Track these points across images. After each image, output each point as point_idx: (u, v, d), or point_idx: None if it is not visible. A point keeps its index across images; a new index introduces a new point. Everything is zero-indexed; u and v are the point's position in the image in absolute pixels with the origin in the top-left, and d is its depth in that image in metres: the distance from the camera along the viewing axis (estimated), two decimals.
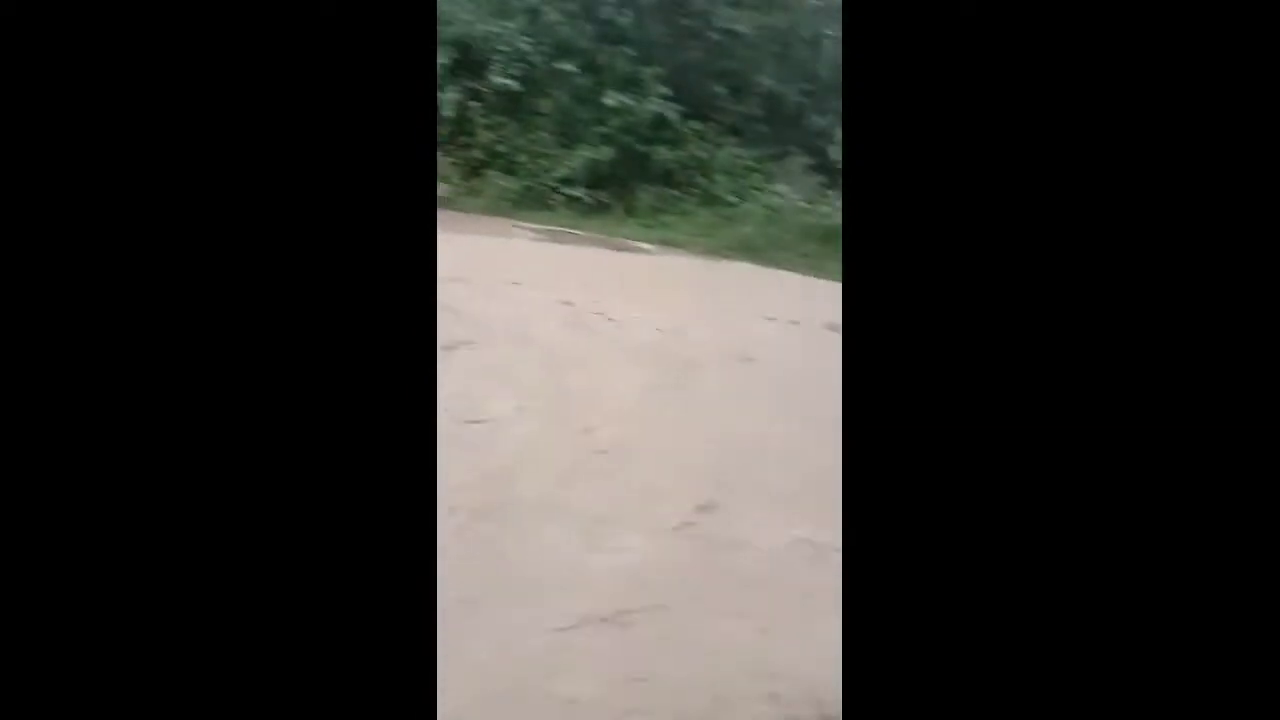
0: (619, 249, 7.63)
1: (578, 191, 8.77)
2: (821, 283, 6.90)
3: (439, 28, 7.95)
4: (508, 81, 8.99)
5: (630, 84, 9.10)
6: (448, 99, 9.04)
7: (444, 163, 8.98)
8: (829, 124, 9.56)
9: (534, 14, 9.15)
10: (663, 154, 8.89)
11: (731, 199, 8.67)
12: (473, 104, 9.16)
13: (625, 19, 9.32)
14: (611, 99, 8.79)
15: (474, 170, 9.09)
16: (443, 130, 9.20)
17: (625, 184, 8.97)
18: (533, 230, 8.00)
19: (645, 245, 7.94)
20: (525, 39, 9.02)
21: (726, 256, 7.82)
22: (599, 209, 8.78)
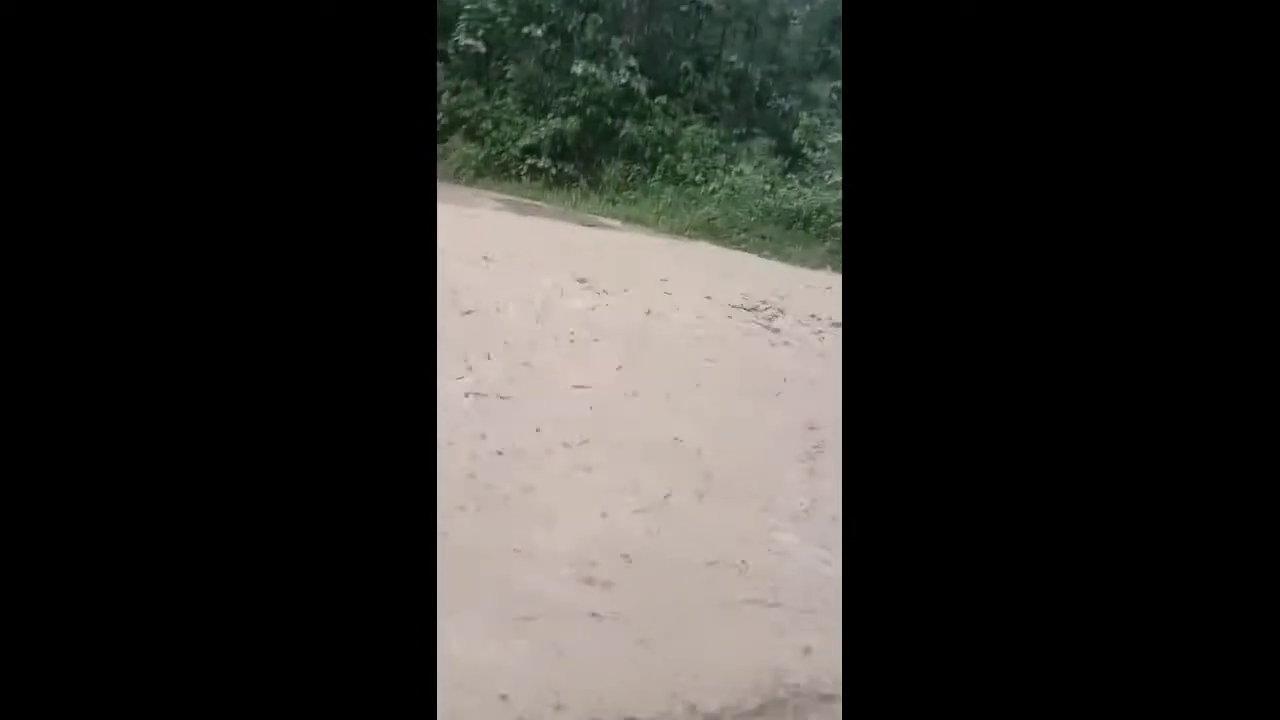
0: (586, 224, 7.65)
1: (542, 162, 8.70)
2: (784, 267, 7.10)
3: None
4: (474, 43, 8.79)
5: (599, 53, 9.00)
6: None
7: None
8: (793, 106, 9.65)
9: None
10: (629, 128, 8.87)
11: (696, 178, 8.73)
12: (437, 65, 8.93)
13: None
14: (580, 68, 8.69)
15: (437, 135, 8.90)
16: None
17: (590, 157, 8.93)
18: (496, 200, 7.93)
19: (612, 222, 7.97)
20: (493, 0, 8.81)
21: (690, 236, 7.93)
22: (563, 181, 8.73)
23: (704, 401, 3.73)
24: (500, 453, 2.93)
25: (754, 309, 5.40)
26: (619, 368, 3.98)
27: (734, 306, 5.35)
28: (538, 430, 3.15)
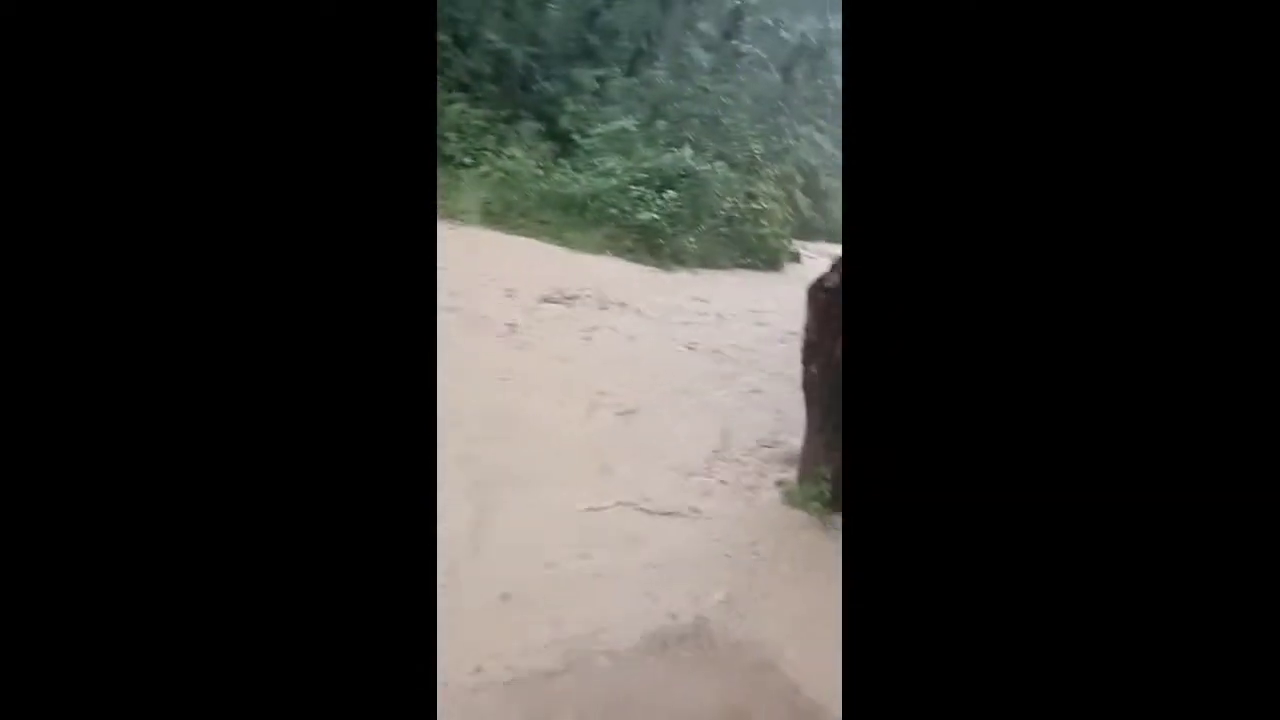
0: None
1: None
2: (573, 255, 7.03)
3: None
4: None
5: None
6: None
7: None
8: (558, 90, 9.60)
9: None
10: None
11: (465, 159, 8.31)
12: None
13: None
14: None
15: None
16: None
17: None
18: None
19: None
20: None
21: (465, 222, 7.52)
22: None
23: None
24: None
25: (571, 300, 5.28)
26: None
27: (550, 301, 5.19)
28: None
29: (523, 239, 7.35)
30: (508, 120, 9.03)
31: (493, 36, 9.46)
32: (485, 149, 8.52)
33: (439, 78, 8.71)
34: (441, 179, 8.05)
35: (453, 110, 8.53)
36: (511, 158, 8.43)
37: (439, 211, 7.42)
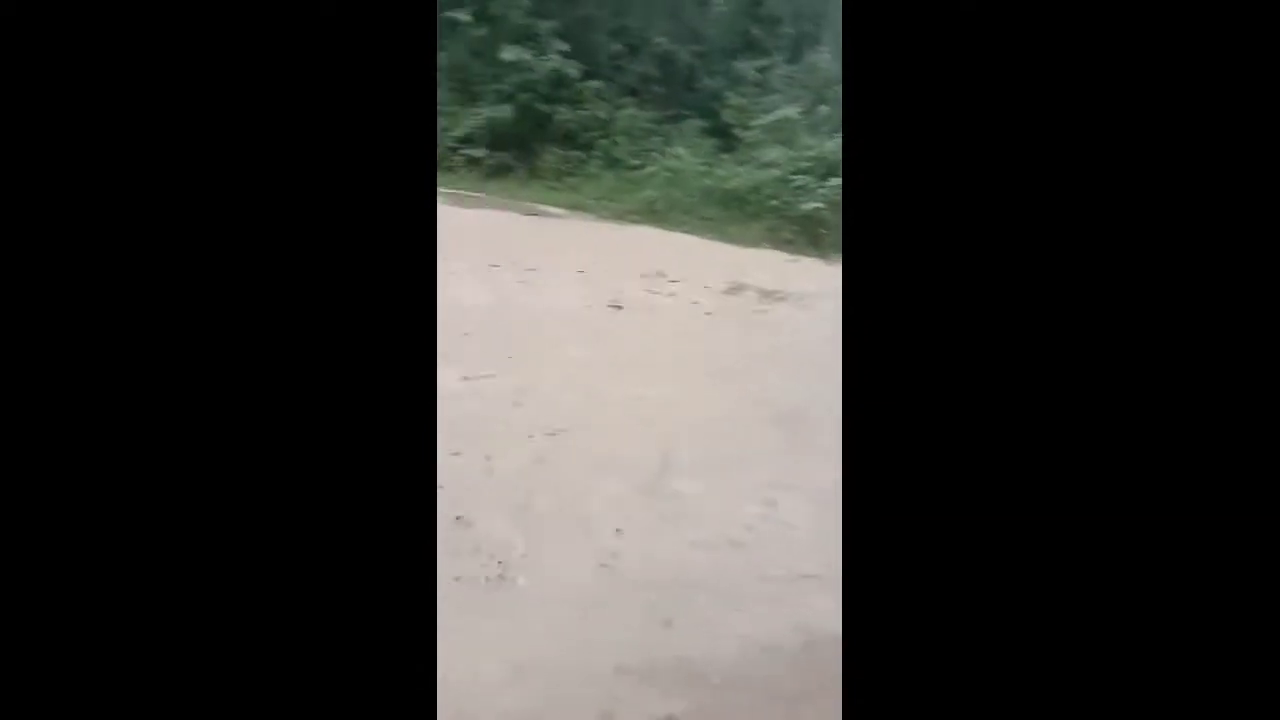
0: (529, 214, 7.68)
1: (479, 152, 8.64)
2: (730, 248, 7.33)
3: None
4: None
5: (526, 38, 8.95)
6: None
7: None
8: (719, 86, 9.84)
9: None
10: (564, 113, 8.89)
11: (633, 161, 8.84)
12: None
13: None
14: (510, 54, 8.63)
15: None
16: None
17: (526, 144, 8.91)
18: (441, 193, 7.85)
19: (555, 209, 8.02)
20: None
21: (633, 221, 8.07)
22: (500, 170, 8.70)
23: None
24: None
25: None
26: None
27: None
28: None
29: (682, 235, 7.74)
30: (673, 120, 9.45)
31: (660, 39, 9.90)
32: (652, 150, 9.00)
33: (610, 84, 9.34)
34: (611, 181, 8.68)
35: (623, 115, 9.11)
36: (676, 156, 8.83)
37: (605, 212, 8.08)
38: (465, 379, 3.63)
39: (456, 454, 2.91)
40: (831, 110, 9.50)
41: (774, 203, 8.24)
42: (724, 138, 9.30)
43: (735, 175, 8.61)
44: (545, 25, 9.02)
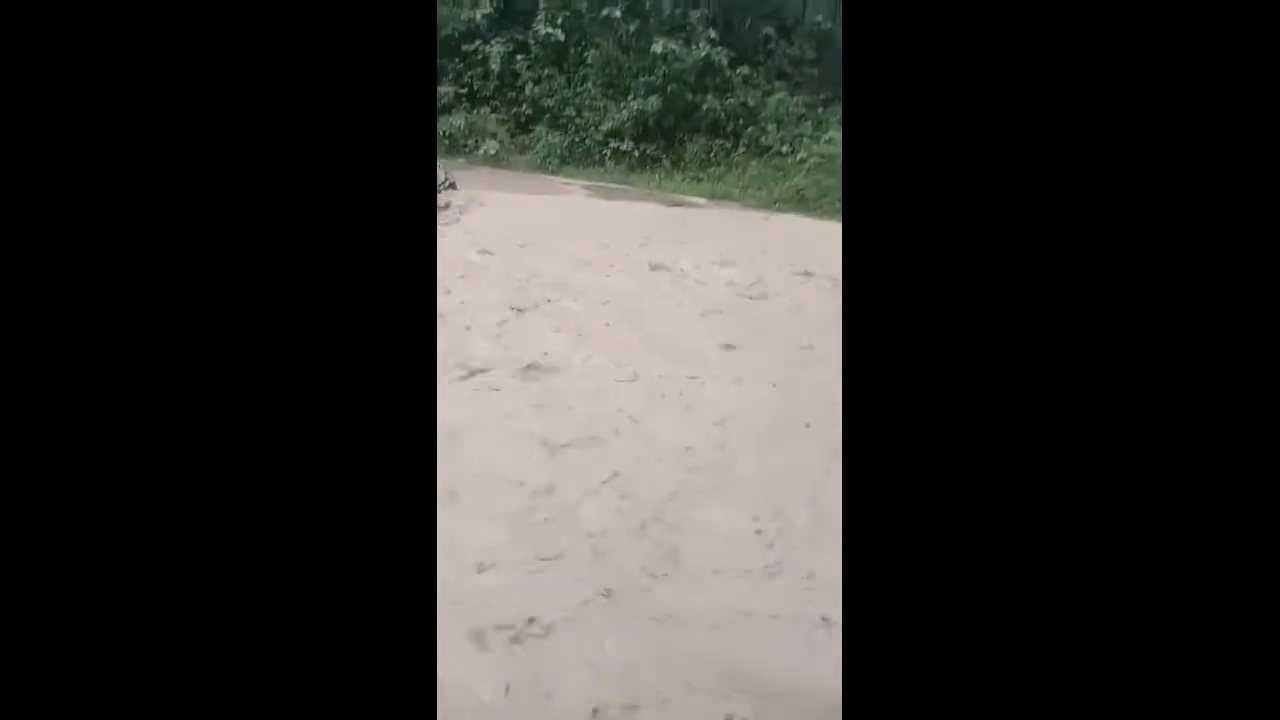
0: (673, 204, 7.62)
1: (625, 144, 8.70)
2: None
3: None
4: (553, 31, 8.85)
5: (677, 29, 8.88)
6: (494, 52, 8.94)
7: (491, 119, 8.95)
8: None
9: None
10: (711, 102, 8.73)
11: (783, 148, 8.52)
12: (519, 57, 9.05)
13: None
14: (659, 46, 8.60)
15: (521, 126, 9.05)
16: (489, 85, 9.13)
17: (672, 135, 8.86)
18: (585, 187, 8.01)
19: (698, 200, 7.91)
20: None
21: (779, 210, 7.76)
22: (646, 161, 8.72)
23: None
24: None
25: None
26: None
27: None
28: None
29: (833, 223, 7.33)
30: (825, 104, 8.99)
31: (819, 17, 9.46)
32: (803, 135, 8.62)
33: (759, 70, 9.05)
34: (758, 170, 8.41)
35: (771, 101, 8.79)
36: (829, 141, 8.40)
37: (753, 201, 7.83)
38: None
39: None
40: None
41: None
42: None
43: None
44: (696, 14, 8.90)
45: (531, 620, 2.04)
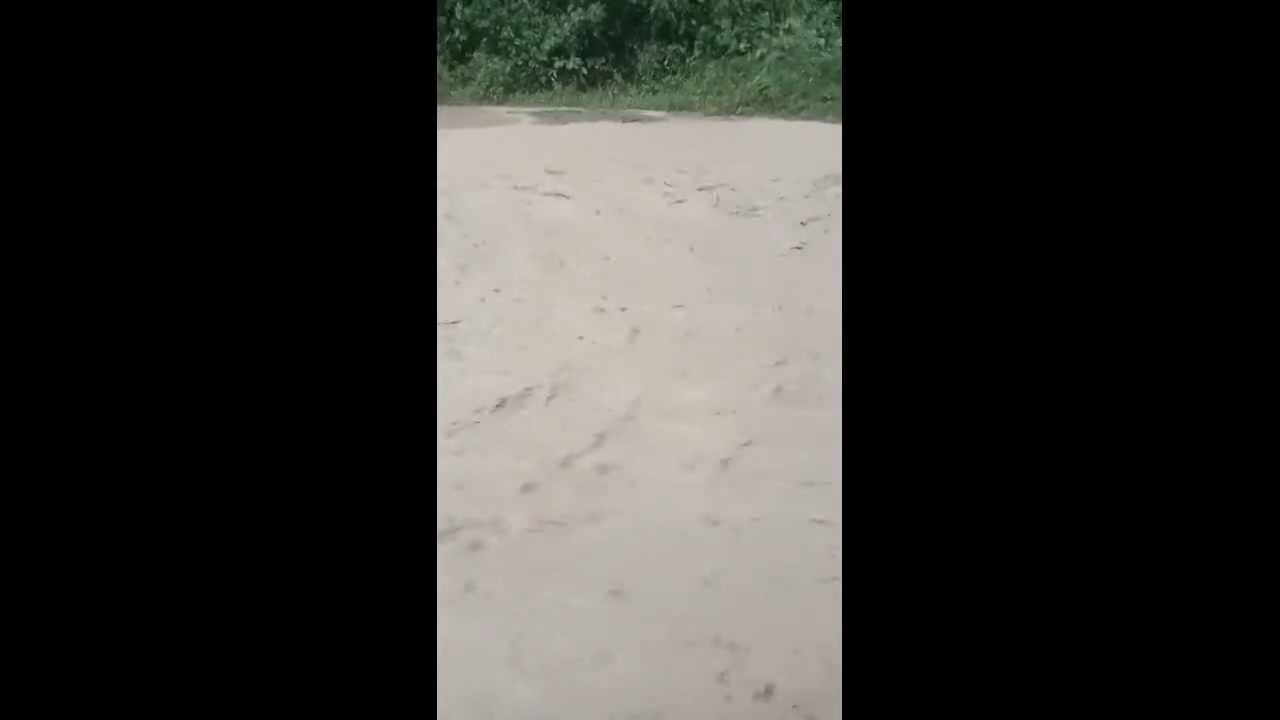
0: (628, 120, 7.10)
1: (571, 63, 8.08)
2: None
3: None
4: None
5: None
6: None
7: None
8: None
9: None
10: (659, 3, 8.06)
11: (740, 46, 7.93)
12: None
13: None
14: None
15: (458, 55, 8.38)
16: None
17: (621, 46, 8.23)
18: (532, 114, 7.45)
19: (655, 113, 7.38)
20: None
21: (744, 113, 7.26)
22: (597, 79, 8.12)
23: None
24: None
25: None
26: None
27: None
28: None
29: (802, 123, 6.85)
30: None
31: None
32: (760, 29, 8.02)
33: None
34: (715, 73, 7.84)
35: None
36: (789, 32, 7.82)
37: (711, 108, 7.30)
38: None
39: None
40: None
41: None
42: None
43: None
44: None
45: None
